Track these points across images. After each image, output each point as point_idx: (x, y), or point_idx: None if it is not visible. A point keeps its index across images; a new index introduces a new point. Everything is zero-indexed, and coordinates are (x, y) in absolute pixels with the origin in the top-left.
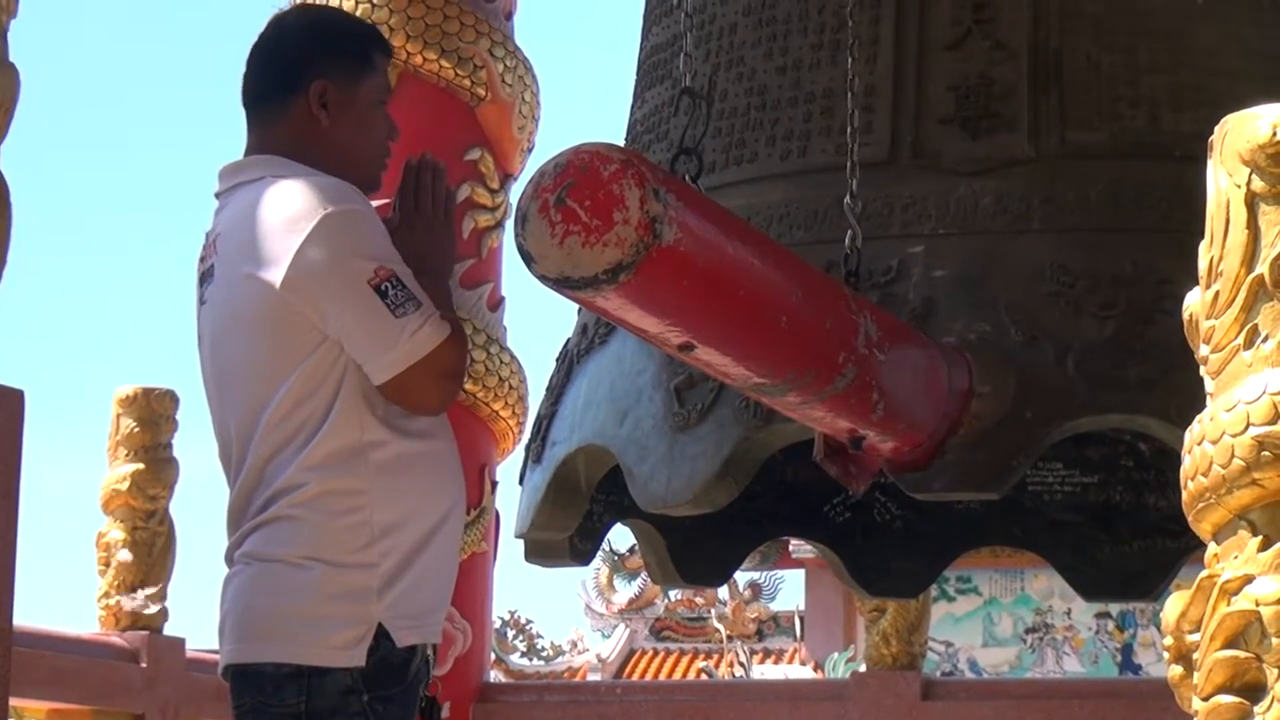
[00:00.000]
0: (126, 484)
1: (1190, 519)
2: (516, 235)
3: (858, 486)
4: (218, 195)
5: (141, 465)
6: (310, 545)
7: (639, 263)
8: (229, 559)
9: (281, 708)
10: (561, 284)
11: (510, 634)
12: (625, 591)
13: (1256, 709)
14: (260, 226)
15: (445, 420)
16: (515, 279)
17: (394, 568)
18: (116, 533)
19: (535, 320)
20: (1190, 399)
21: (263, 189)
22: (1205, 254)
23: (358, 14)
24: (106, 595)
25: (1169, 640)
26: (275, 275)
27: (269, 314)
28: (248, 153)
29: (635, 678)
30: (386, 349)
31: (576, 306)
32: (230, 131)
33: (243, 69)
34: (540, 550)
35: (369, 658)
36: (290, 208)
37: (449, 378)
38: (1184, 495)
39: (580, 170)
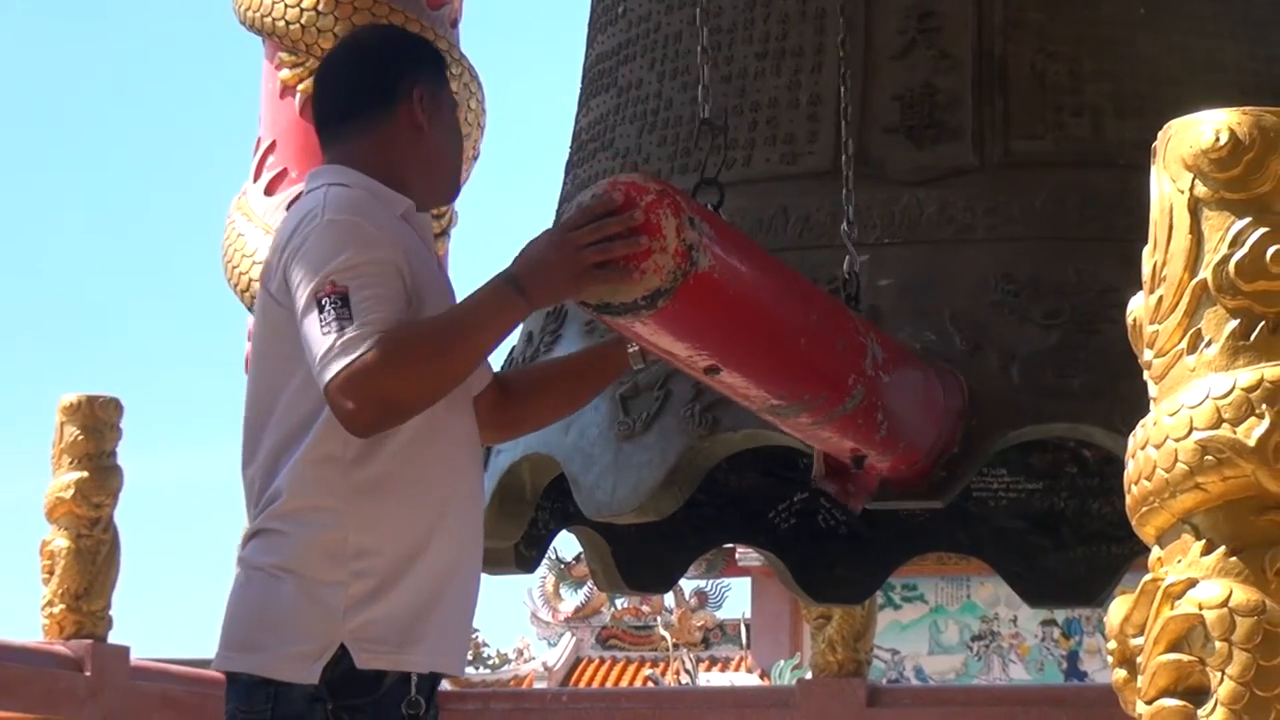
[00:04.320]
0: (70, 492)
1: (1134, 523)
2: None
3: (856, 505)
4: None
5: (86, 473)
6: (286, 558)
7: (676, 289)
8: (237, 560)
9: (252, 714)
10: (601, 310)
11: None
12: (571, 600)
13: (1200, 712)
14: (275, 239)
15: (459, 443)
16: (462, 288)
17: (366, 590)
18: (61, 541)
19: None
20: (1134, 407)
21: (300, 202)
22: (1149, 259)
23: (303, 21)
24: (50, 604)
25: (1113, 644)
26: (272, 286)
27: (273, 321)
28: None
29: (581, 686)
30: (315, 364)
31: None
32: (178, 134)
33: (318, 89)
34: (486, 558)
35: (334, 668)
36: (294, 221)
37: (364, 402)
38: (1128, 500)
39: (622, 198)
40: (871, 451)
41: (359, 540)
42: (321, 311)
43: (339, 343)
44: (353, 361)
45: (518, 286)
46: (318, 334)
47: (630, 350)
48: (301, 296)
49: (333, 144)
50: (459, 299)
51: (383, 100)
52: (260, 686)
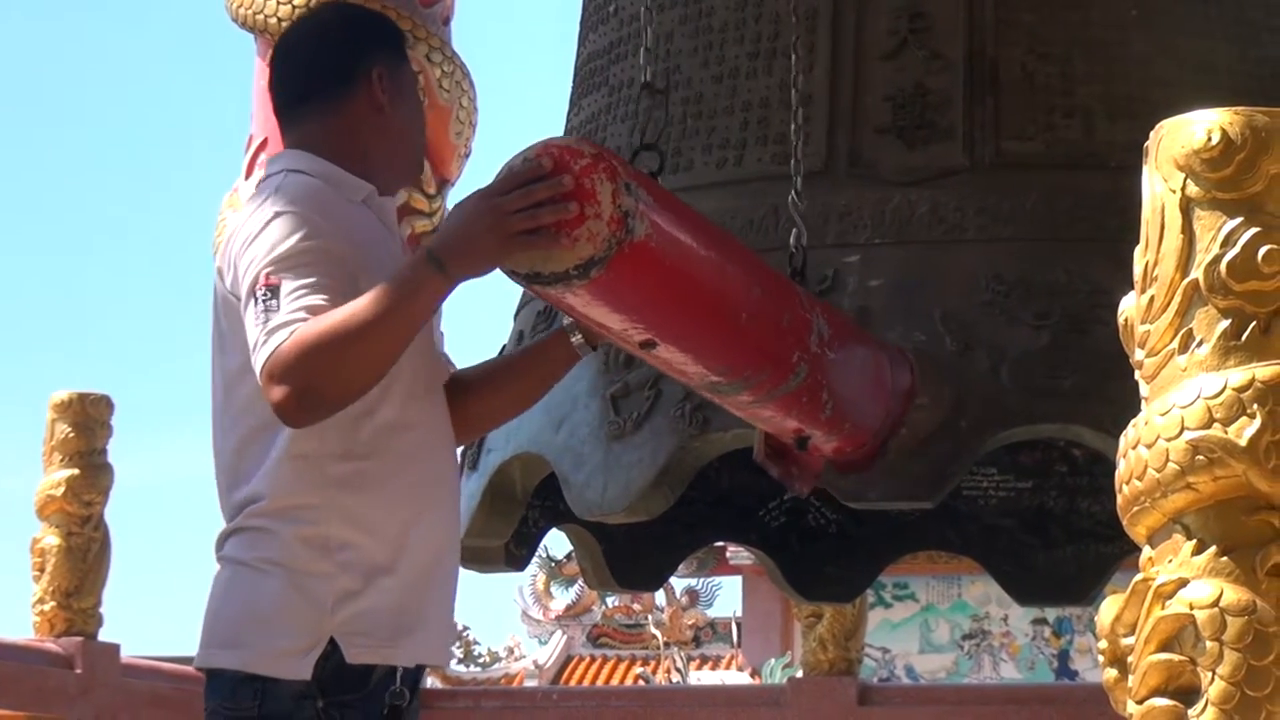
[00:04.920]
0: (61, 489)
1: (1125, 523)
2: None
3: (801, 488)
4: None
5: (77, 471)
6: (274, 552)
7: (611, 258)
8: (216, 558)
9: (238, 712)
10: (532, 280)
11: None
12: (562, 598)
13: (1190, 712)
14: (228, 230)
15: (434, 433)
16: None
17: (352, 583)
18: (51, 538)
19: (472, 326)
20: (1124, 408)
21: (256, 191)
22: (1141, 259)
23: (295, 19)
24: (41, 601)
25: (1104, 644)
26: (228, 279)
27: (232, 313)
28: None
29: (572, 684)
30: (253, 355)
31: (513, 313)
32: (170, 131)
33: (275, 71)
34: (476, 557)
35: (324, 664)
36: (246, 212)
37: (287, 392)
38: (1119, 499)
39: (551, 163)
40: (816, 432)
41: (341, 534)
42: (255, 304)
43: (263, 334)
44: (273, 353)
45: (438, 262)
46: (251, 327)
47: (574, 340)
48: (242, 290)
49: (292, 126)
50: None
51: (341, 81)
52: (246, 683)
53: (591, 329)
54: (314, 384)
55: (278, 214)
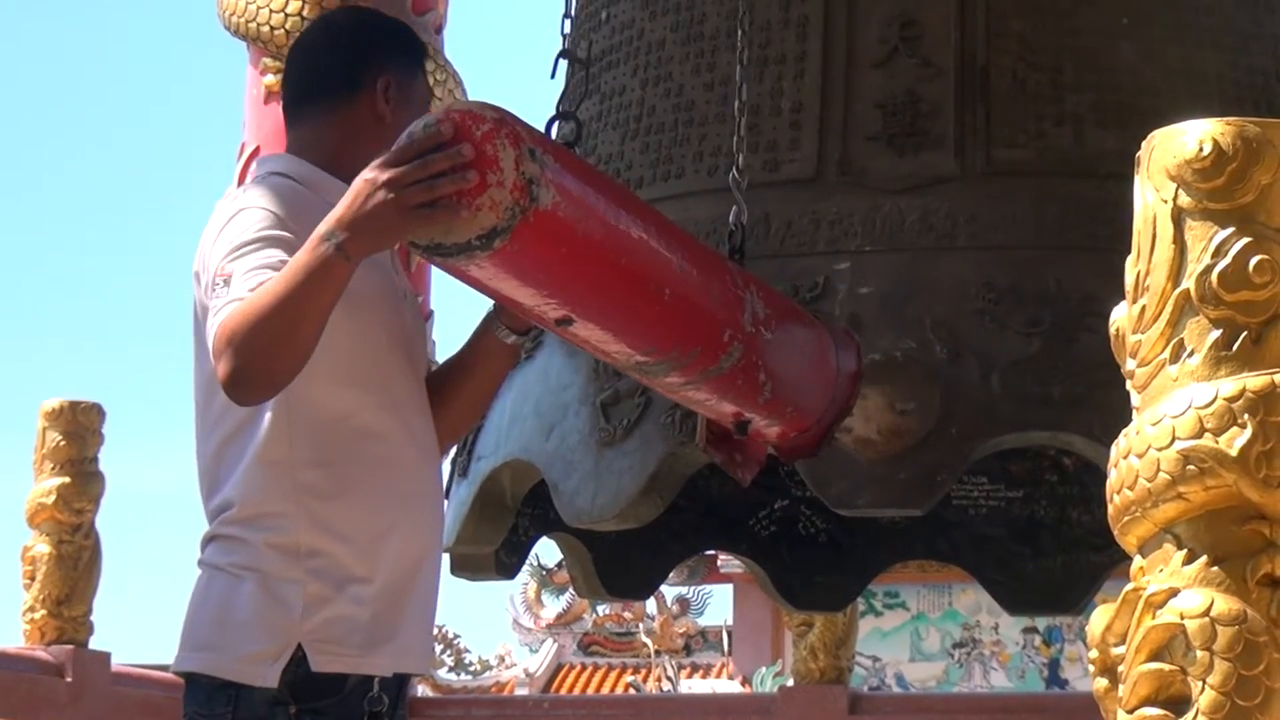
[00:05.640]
0: (52, 498)
1: (1116, 532)
2: None
3: (744, 475)
4: None
5: (68, 479)
6: (247, 558)
7: (514, 227)
8: (197, 564)
9: (213, 718)
10: (432, 251)
11: (437, 648)
12: (553, 606)
13: None
14: (204, 233)
15: (412, 442)
16: (445, 292)
17: (322, 590)
18: (42, 546)
19: (464, 333)
20: (1114, 416)
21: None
22: (1132, 269)
23: (287, 27)
24: (31, 609)
25: (1094, 653)
26: (204, 284)
27: (203, 317)
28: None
29: (563, 692)
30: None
31: None
32: (162, 139)
33: (286, 69)
34: (466, 564)
35: (294, 670)
36: (219, 210)
37: (223, 374)
38: (1110, 509)
39: (451, 130)
40: (755, 416)
41: (310, 541)
42: (214, 298)
43: (211, 319)
44: (214, 335)
45: (336, 243)
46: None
47: (497, 332)
48: (207, 289)
49: (293, 126)
50: (432, 294)
51: (345, 86)
52: (221, 690)
53: (510, 310)
54: (240, 363)
55: (240, 210)
